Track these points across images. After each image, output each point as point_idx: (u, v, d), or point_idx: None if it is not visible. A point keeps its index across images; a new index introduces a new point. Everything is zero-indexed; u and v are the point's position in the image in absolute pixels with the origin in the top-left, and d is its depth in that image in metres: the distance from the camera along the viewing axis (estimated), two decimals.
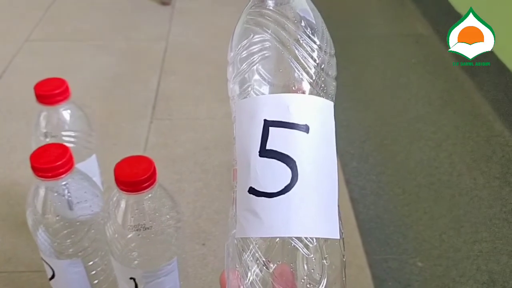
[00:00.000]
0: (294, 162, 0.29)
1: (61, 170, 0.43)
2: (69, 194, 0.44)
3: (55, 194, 0.44)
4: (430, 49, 1.19)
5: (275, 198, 0.29)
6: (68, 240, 0.46)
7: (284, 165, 0.29)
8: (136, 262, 0.44)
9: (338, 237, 0.30)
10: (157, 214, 0.42)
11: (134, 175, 0.40)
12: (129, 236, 0.43)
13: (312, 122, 0.29)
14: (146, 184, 0.40)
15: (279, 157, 0.29)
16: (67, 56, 1.15)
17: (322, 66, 0.31)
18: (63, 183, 0.44)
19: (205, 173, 0.81)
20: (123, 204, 0.42)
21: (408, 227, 0.72)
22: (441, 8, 1.28)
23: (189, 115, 0.96)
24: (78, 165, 0.55)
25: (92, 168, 0.58)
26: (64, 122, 0.55)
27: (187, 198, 0.77)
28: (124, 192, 0.41)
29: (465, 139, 0.89)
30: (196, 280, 0.64)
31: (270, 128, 0.29)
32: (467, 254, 0.67)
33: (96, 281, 0.51)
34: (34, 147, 0.48)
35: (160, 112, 0.96)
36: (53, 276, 0.49)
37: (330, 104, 0.31)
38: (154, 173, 0.41)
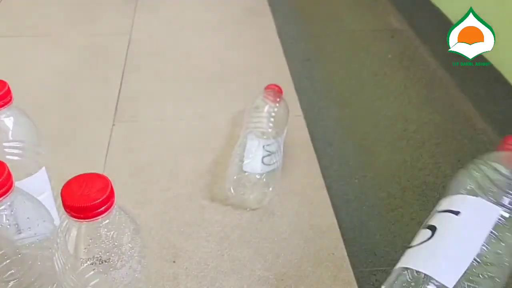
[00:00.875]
0: (436, 228, 0.46)
1: None
2: (7, 221, 0.37)
3: None
4: (406, 44, 1.15)
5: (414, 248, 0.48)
6: (8, 274, 0.38)
7: (429, 230, 0.48)
8: None
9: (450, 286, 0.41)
10: (116, 243, 0.35)
11: (85, 199, 0.33)
12: (83, 270, 0.35)
13: (465, 211, 0.45)
14: (100, 210, 0.33)
15: (429, 227, 0.48)
16: (20, 54, 1.05)
17: None
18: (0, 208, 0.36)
19: (174, 181, 0.74)
20: (73, 233, 0.35)
21: (395, 235, 0.67)
22: (416, 2, 1.24)
23: (155, 116, 0.88)
24: (24, 181, 0.47)
25: (41, 183, 0.50)
26: (6, 132, 0.47)
27: (155, 209, 0.69)
28: (74, 219, 0.34)
29: (448, 138, 0.85)
30: None
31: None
32: None
33: None
34: None
35: (123, 113, 0.88)
36: None
37: (496, 210, 0.44)
38: (111, 195, 0.34)
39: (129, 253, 0.36)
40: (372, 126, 0.88)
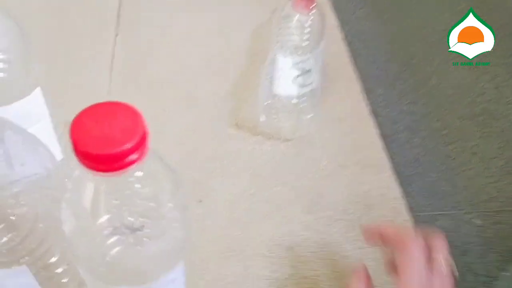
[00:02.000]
0: None
1: None
2: None
3: None
4: None
5: None
6: (3, 241, 0.28)
7: None
8: (119, 277, 0.27)
9: None
10: (152, 204, 0.25)
11: (108, 142, 0.22)
12: (105, 241, 0.25)
13: None
14: (131, 158, 0.22)
15: None
16: None
17: None
18: None
19: (194, 105, 0.63)
20: (89, 189, 0.24)
21: (455, 172, 0.58)
22: None
23: (163, 27, 0.74)
24: (13, 107, 0.36)
25: (36, 109, 0.38)
26: None
27: (173, 139, 0.59)
28: (93, 170, 0.22)
29: (509, 58, 0.73)
30: (193, 254, 0.48)
31: None
32: None
33: None
34: None
35: (127, 22, 0.74)
36: None
37: None
38: (144, 137, 0.23)
39: (169, 215, 0.26)
40: (419, 42, 0.75)
